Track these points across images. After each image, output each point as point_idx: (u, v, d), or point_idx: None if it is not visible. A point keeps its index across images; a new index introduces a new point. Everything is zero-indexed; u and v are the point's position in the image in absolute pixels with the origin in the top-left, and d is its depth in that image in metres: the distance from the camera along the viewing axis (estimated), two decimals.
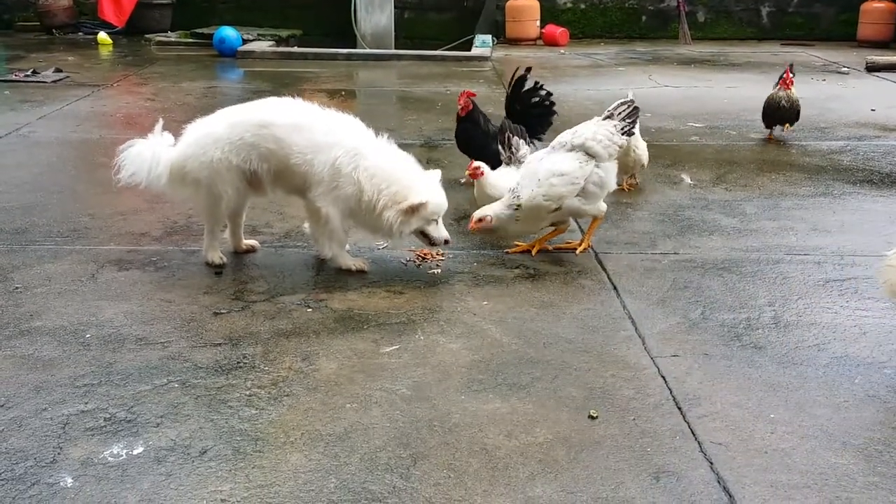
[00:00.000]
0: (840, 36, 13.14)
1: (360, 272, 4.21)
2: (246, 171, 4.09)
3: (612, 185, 4.57)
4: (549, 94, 5.65)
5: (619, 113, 4.52)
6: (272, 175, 4.13)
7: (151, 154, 4.13)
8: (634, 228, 4.95)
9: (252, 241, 4.53)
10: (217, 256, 4.29)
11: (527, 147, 4.96)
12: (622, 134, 4.45)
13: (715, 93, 9.24)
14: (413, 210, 3.96)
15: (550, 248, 4.55)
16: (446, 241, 4.14)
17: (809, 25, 13.55)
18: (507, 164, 4.94)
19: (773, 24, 13.71)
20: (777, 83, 6.90)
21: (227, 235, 4.44)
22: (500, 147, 4.93)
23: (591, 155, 4.35)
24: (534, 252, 4.49)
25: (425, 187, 4.04)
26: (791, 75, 6.83)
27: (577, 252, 4.50)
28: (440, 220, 4.11)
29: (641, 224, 5.02)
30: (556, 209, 4.32)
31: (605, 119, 4.49)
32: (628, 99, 4.63)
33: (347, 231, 4.24)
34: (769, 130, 7.00)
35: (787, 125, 6.89)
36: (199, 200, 4.22)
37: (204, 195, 4.13)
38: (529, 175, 4.36)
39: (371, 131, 4.17)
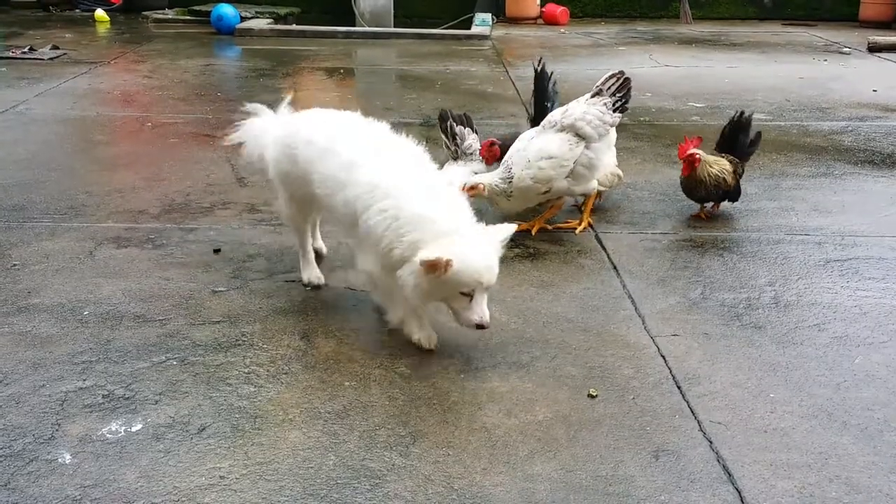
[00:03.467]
0: (842, 16, 13.08)
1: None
2: (297, 182, 3.54)
3: (603, 166, 4.47)
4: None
5: (609, 88, 4.37)
6: (313, 199, 3.54)
7: (259, 131, 3.85)
8: (634, 208, 4.93)
9: (319, 245, 4.08)
10: (315, 275, 3.77)
11: (474, 136, 4.59)
12: (614, 111, 4.34)
13: (716, 73, 9.19)
14: (431, 269, 2.91)
15: (550, 227, 4.54)
16: (479, 326, 3.05)
17: (811, 5, 13.46)
18: (454, 159, 4.62)
19: (775, 3, 13.62)
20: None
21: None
22: (443, 138, 4.50)
23: (581, 136, 4.28)
24: (533, 231, 4.47)
25: (463, 242, 2.98)
26: (696, 152, 4.54)
27: (577, 231, 4.48)
28: (480, 295, 3.02)
29: (641, 204, 5.00)
30: (546, 191, 4.29)
31: (593, 96, 4.37)
32: (617, 71, 4.45)
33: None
34: (699, 206, 4.80)
35: (714, 204, 4.83)
36: (278, 202, 3.81)
37: (278, 194, 3.74)
38: (520, 154, 4.30)
39: (417, 156, 3.32)
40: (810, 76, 8.98)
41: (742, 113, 4.88)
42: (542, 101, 4.94)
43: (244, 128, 3.93)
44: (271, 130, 3.75)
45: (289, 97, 3.91)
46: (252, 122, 3.92)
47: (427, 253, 2.91)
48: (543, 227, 4.51)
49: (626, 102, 4.40)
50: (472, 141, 4.53)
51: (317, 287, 3.73)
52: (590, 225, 4.56)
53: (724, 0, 13.68)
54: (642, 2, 13.75)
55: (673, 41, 11.46)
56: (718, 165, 4.59)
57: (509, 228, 3.17)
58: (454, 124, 4.49)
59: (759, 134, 4.91)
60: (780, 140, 6.42)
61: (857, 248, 4.34)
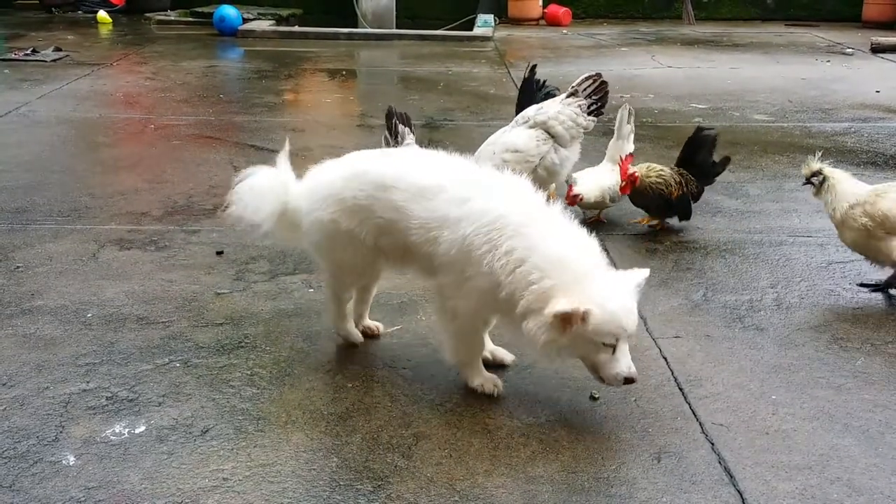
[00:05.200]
0: (845, 16, 13.07)
1: (488, 396, 3.00)
2: (364, 240, 3.03)
3: (564, 175, 4.43)
4: (555, 88, 4.95)
5: (585, 89, 4.34)
6: (397, 252, 3.05)
7: (267, 188, 3.18)
8: (637, 210, 4.92)
9: (375, 324, 3.47)
10: (350, 331, 3.32)
11: (411, 137, 4.47)
12: (588, 114, 4.30)
13: (718, 74, 9.19)
14: (565, 323, 2.61)
15: None
16: (627, 380, 2.72)
17: (814, 6, 13.46)
18: None
19: (778, 4, 13.62)
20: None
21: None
22: (386, 134, 4.42)
23: (551, 135, 4.26)
24: None
25: (598, 290, 2.66)
26: (635, 170, 4.42)
27: None
28: (622, 346, 2.71)
29: None
30: None
31: (569, 96, 4.35)
32: (594, 73, 4.42)
33: (487, 324, 3.11)
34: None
35: (657, 222, 4.63)
36: (320, 264, 3.32)
37: (324, 262, 3.24)
38: (488, 147, 4.29)
39: (535, 195, 2.91)
40: (813, 77, 8.97)
41: (700, 129, 4.63)
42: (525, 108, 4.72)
43: (243, 189, 3.21)
44: (297, 190, 3.17)
45: (286, 145, 3.28)
46: (251, 184, 3.22)
47: (560, 305, 2.57)
48: None
49: (602, 106, 4.37)
50: (410, 140, 4.42)
51: (353, 345, 3.31)
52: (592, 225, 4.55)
53: (726, 1, 13.68)
54: (645, 3, 13.76)
55: (675, 42, 11.46)
56: (655, 173, 4.41)
57: (643, 273, 2.86)
58: (398, 122, 4.37)
59: (727, 158, 4.64)
60: (782, 141, 6.43)
61: None
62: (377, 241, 3.02)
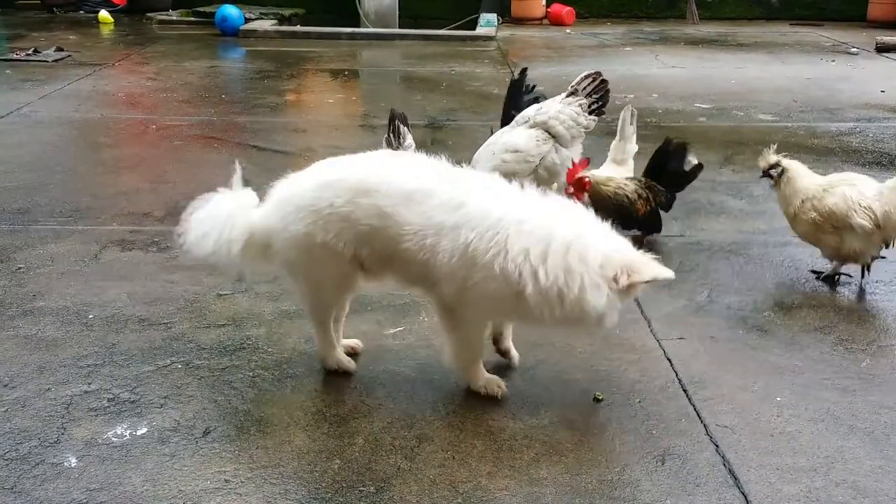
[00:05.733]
0: (850, 16, 13.03)
1: (491, 397, 3.00)
2: (344, 253, 2.89)
3: (563, 176, 4.35)
4: (542, 94, 4.90)
5: (584, 88, 4.32)
6: (378, 261, 2.94)
7: (227, 213, 3.01)
8: None
9: (353, 342, 3.30)
10: (341, 360, 3.14)
11: (410, 136, 4.50)
12: (590, 113, 4.28)
13: (722, 73, 9.16)
14: (636, 286, 2.77)
15: None
16: None
17: (819, 5, 13.42)
18: None
19: (782, 3, 13.59)
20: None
21: None
22: (389, 135, 4.41)
23: (552, 135, 4.24)
24: None
25: (629, 249, 2.83)
26: (586, 175, 4.13)
27: None
28: None
29: None
30: None
31: (568, 95, 4.33)
32: (593, 71, 4.39)
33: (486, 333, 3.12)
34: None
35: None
36: (296, 287, 3.16)
37: (301, 282, 3.06)
38: (487, 148, 4.27)
39: (520, 188, 2.88)
40: (818, 77, 8.95)
41: (669, 140, 4.45)
42: (510, 110, 4.73)
43: (199, 221, 3.03)
44: (263, 210, 3.01)
45: (238, 170, 3.12)
46: (207, 210, 3.06)
47: (663, 271, 2.76)
48: None
49: (603, 105, 4.34)
50: (410, 140, 4.47)
51: (347, 372, 3.13)
52: None
53: (730, 0, 13.65)
54: (648, 2, 13.73)
55: (679, 42, 11.44)
56: (613, 184, 4.13)
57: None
58: (400, 124, 4.40)
59: (699, 165, 4.43)
60: (787, 141, 6.39)
61: None
62: (357, 252, 2.88)
